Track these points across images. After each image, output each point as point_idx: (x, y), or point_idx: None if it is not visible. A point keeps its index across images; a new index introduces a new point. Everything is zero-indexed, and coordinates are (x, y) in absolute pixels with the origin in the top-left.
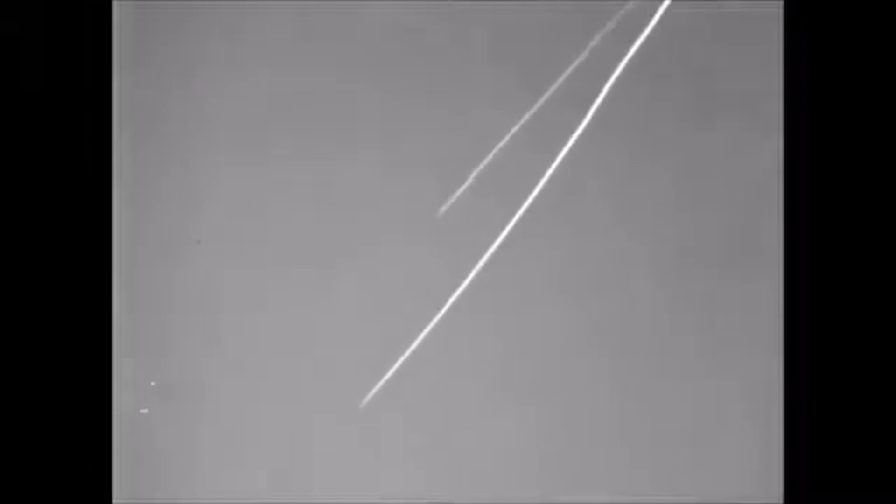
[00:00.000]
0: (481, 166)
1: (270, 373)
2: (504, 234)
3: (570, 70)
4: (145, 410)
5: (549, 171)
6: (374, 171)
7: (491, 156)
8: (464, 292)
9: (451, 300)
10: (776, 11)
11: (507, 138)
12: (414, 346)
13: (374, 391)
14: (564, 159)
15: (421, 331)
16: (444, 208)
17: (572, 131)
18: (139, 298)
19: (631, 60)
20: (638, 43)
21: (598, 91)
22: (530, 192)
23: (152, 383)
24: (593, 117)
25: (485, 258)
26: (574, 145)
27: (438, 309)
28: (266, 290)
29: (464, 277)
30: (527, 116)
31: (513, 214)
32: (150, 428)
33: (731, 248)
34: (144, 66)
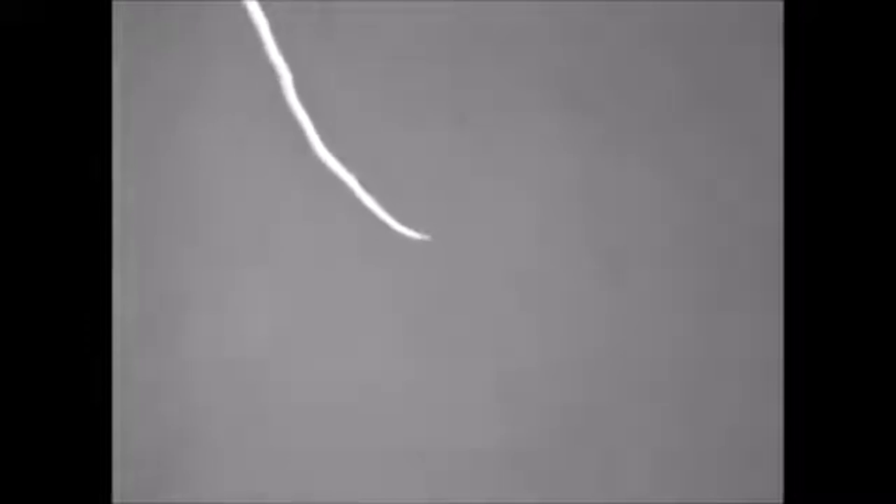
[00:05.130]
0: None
1: (268, 370)
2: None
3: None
4: None
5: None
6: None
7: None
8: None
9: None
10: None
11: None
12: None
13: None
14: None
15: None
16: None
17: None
18: (144, 295)
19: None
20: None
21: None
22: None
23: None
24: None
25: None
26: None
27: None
28: (262, 291)
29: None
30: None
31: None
32: (149, 427)
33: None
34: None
